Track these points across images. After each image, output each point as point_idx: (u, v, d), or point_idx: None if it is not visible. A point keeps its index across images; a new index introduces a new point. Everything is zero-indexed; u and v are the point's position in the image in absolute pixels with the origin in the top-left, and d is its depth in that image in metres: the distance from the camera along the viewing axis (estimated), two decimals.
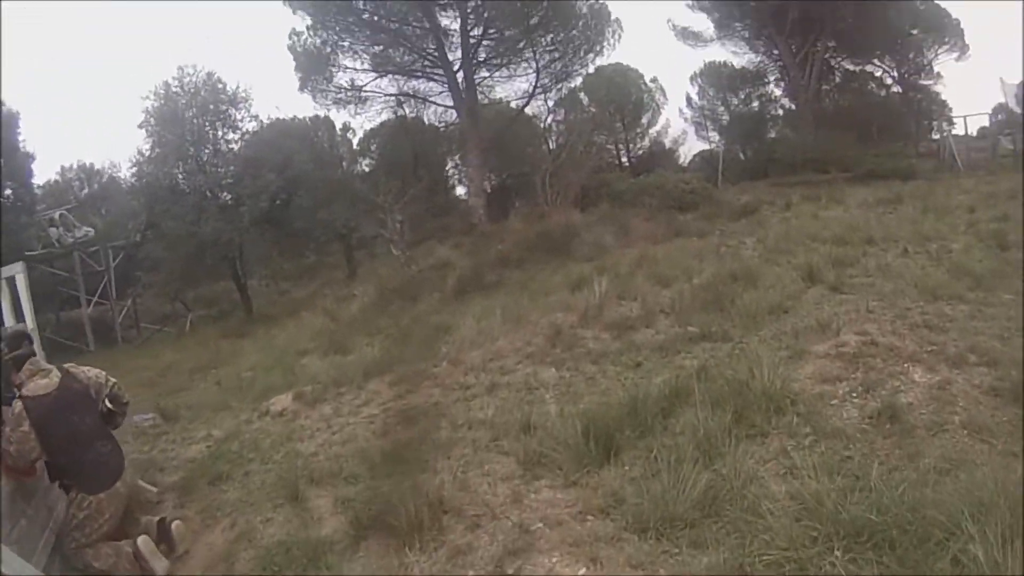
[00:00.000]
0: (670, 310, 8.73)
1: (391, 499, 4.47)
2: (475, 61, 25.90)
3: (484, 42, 25.64)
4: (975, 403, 4.75)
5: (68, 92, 77.36)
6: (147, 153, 21.18)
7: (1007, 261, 8.85)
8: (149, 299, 27.06)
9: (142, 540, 4.59)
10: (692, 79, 36.93)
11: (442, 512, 4.37)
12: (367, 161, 33.39)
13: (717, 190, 22.53)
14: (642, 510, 3.89)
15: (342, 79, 25.70)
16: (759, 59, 34.18)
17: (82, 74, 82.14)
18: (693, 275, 10.44)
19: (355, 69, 25.65)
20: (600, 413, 5.19)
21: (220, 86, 21.52)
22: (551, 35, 25.42)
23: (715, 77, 36.04)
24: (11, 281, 10.06)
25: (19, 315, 9.56)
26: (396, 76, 26.70)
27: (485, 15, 24.42)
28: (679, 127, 37.92)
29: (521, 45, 25.24)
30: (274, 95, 72.31)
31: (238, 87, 21.93)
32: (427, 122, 30.31)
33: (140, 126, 20.92)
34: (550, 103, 30.44)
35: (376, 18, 24.14)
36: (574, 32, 25.63)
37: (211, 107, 21.23)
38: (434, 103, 28.22)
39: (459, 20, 24.80)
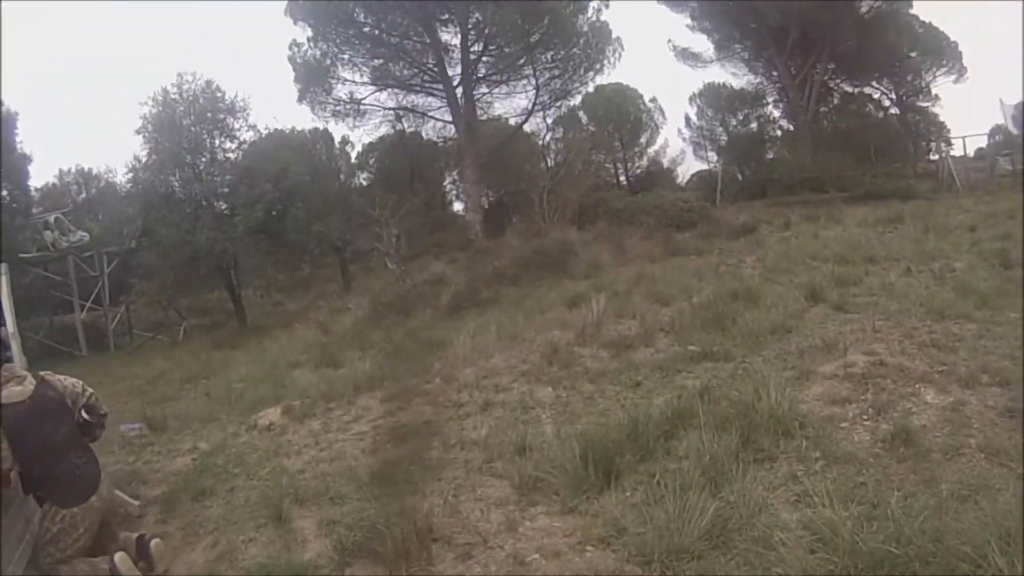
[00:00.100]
0: (669, 329, 8.53)
1: (378, 523, 4.25)
2: (475, 77, 25.96)
3: (484, 58, 25.69)
4: (990, 425, 4.56)
5: (68, 94, 77.48)
6: (144, 159, 21.03)
7: (1011, 279, 8.73)
8: (142, 306, 26.79)
9: (119, 557, 4.35)
10: (691, 99, 37.28)
11: (431, 540, 4.10)
12: (365, 174, 33.38)
13: (715, 209, 22.41)
14: (645, 540, 3.65)
15: (341, 91, 25.79)
16: (758, 80, 34.47)
17: (82, 76, 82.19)
18: (692, 293, 10.28)
19: (354, 82, 25.77)
20: (599, 435, 4.96)
21: (219, 94, 21.40)
22: (551, 52, 25.55)
23: (714, 98, 36.26)
24: None
25: None
26: (395, 90, 26.75)
27: (486, 31, 24.47)
28: (677, 147, 38.25)
29: (521, 62, 25.32)
30: (273, 106, 72.35)
31: (236, 96, 21.83)
32: (425, 137, 30.40)
33: (138, 132, 20.79)
34: (549, 120, 30.60)
35: (377, 32, 24.19)
36: (575, 50, 25.74)
37: (209, 115, 21.06)
38: (433, 118, 28.33)
39: (459, 36, 24.81)
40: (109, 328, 24.29)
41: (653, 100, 36.97)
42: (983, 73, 59.75)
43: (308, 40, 24.47)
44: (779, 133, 35.29)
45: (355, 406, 7.63)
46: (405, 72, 26.12)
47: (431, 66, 25.62)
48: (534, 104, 27.17)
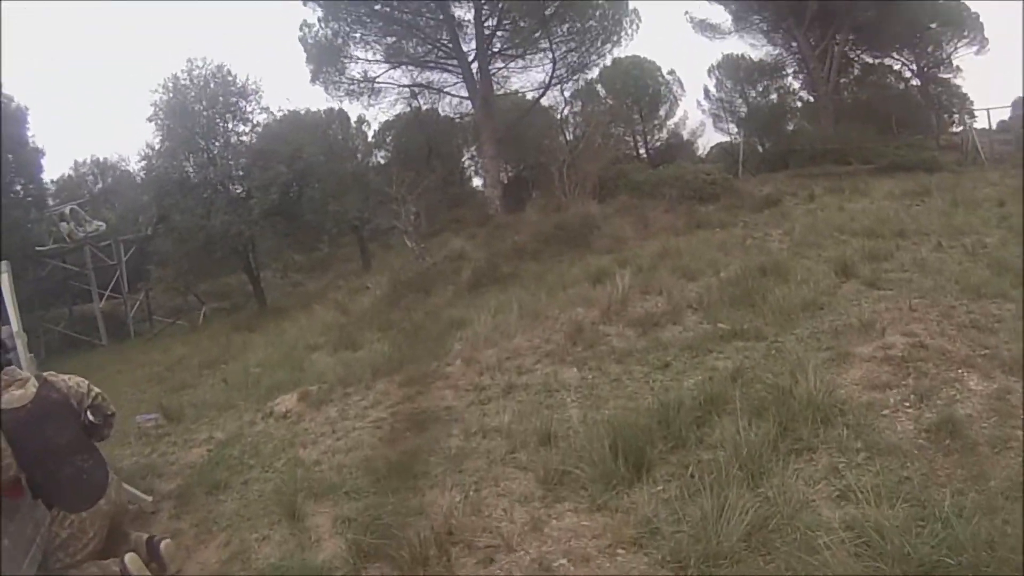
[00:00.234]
0: (697, 305, 8.26)
1: (395, 523, 4.05)
2: (490, 52, 25.52)
3: (499, 32, 25.26)
4: None
5: (81, 86, 77.78)
6: (156, 147, 21.06)
7: None
8: (161, 293, 26.89)
9: (130, 558, 4.22)
10: (710, 71, 36.52)
11: (451, 543, 3.87)
12: (382, 153, 33.21)
13: (737, 181, 21.98)
14: (680, 542, 3.42)
15: (354, 70, 25.46)
16: (777, 51, 33.69)
17: (94, 68, 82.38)
18: (720, 268, 9.94)
19: (368, 60, 25.38)
20: (627, 421, 4.73)
21: (230, 78, 21.34)
22: (567, 25, 25.03)
23: (733, 69, 35.60)
24: None
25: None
26: (410, 67, 26.39)
27: (500, 5, 24.05)
28: (697, 119, 37.50)
29: (537, 35, 24.80)
30: (287, 88, 72.29)
31: (248, 79, 21.78)
32: (442, 113, 30.15)
33: (149, 119, 20.82)
34: (566, 94, 30.14)
35: (388, 9, 23.79)
36: (591, 22, 25.22)
37: (221, 99, 21.04)
38: (449, 94, 28.00)
39: (473, 11, 24.39)
40: (128, 316, 24.37)
41: (671, 72, 36.43)
42: (1006, 44, 58.27)
43: (319, 20, 24.16)
44: (799, 104, 34.72)
45: (373, 391, 7.48)
46: (419, 49, 25.74)
47: (445, 42, 25.22)
48: (551, 78, 26.65)
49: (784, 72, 34.44)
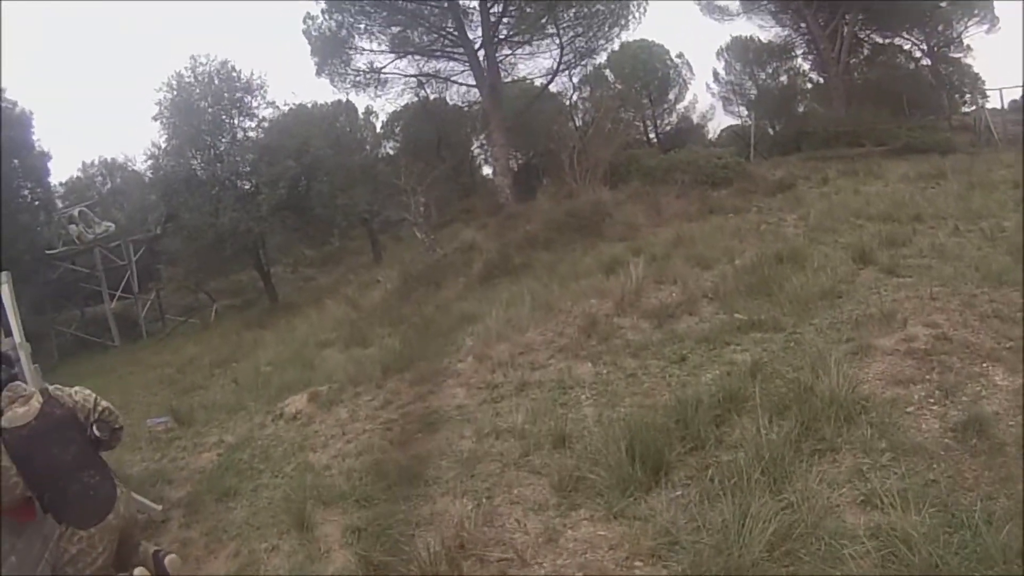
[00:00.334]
0: (713, 295, 8.11)
1: (404, 535, 3.94)
2: (496, 39, 25.25)
3: (505, 19, 24.98)
4: None
5: (87, 87, 77.87)
6: (163, 145, 20.97)
7: None
8: (172, 291, 26.95)
9: (138, 572, 4.15)
10: (718, 54, 36.23)
11: (463, 557, 3.73)
12: (391, 144, 33.07)
13: (750, 165, 21.72)
14: (701, 553, 3.28)
15: (360, 62, 25.26)
16: (786, 33, 33.30)
17: (100, 68, 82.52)
18: (735, 256, 9.75)
19: (373, 51, 25.18)
20: (644, 420, 4.61)
21: (234, 74, 21.20)
22: (574, 10, 24.72)
23: (742, 51, 35.29)
24: None
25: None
26: (416, 57, 26.19)
27: None
28: (706, 102, 37.34)
29: (543, 21, 24.55)
30: (292, 82, 72.15)
31: (252, 74, 21.65)
32: (450, 102, 29.94)
33: (155, 118, 20.69)
34: (575, 80, 29.96)
35: None
36: (598, 6, 24.91)
37: (226, 96, 20.89)
38: (456, 83, 27.75)
39: None
40: (140, 316, 24.38)
41: (680, 55, 36.15)
42: (1016, 23, 57.31)
43: (322, 12, 23.95)
44: (809, 86, 34.43)
45: (383, 390, 7.41)
46: (424, 38, 25.49)
47: (451, 30, 24.97)
48: (559, 64, 26.42)
49: (793, 53, 34.09)
